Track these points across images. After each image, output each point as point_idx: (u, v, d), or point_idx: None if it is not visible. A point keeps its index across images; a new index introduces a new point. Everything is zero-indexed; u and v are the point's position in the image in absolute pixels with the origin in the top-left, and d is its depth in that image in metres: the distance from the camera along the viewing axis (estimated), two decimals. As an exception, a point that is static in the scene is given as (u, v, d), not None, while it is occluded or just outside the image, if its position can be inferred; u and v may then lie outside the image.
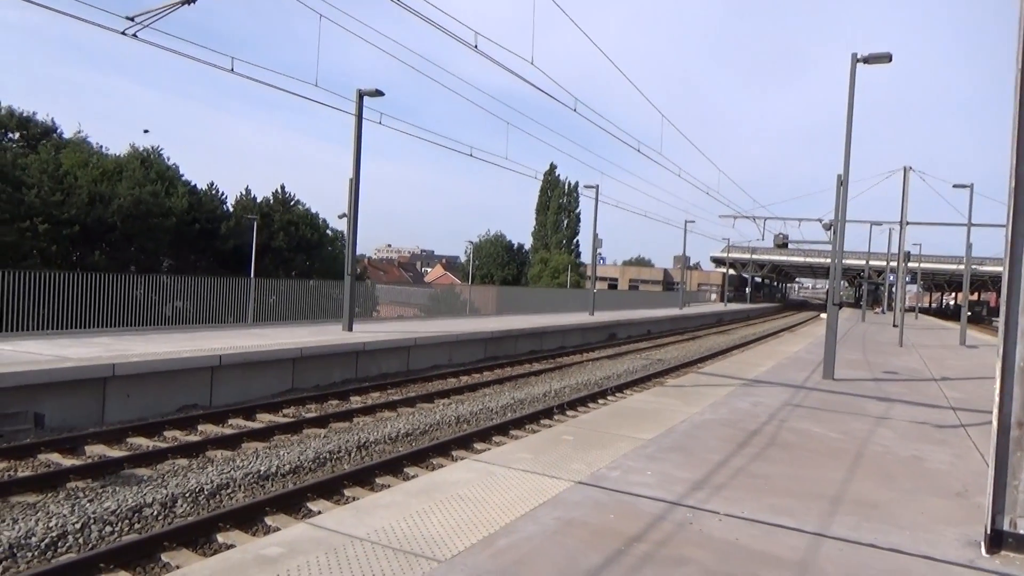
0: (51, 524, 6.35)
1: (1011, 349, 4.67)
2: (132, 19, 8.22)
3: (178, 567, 5.79)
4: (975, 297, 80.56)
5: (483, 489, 5.54)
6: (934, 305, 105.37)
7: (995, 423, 4.69)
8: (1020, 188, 4.59)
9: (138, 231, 35.57)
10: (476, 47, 9.30)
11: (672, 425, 8.35)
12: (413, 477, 8.40)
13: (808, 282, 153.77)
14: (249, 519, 6.87)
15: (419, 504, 5.09)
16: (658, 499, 5.50)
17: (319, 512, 7.11)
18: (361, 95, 17.78)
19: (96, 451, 9.08)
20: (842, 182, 13.58)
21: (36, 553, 5.92)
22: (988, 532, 4.69)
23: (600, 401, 14.16)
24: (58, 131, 40.69)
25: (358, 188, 18.27)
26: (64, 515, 6.59)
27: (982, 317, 69.86)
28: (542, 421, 12.09)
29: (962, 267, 40.36)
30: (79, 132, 42.84)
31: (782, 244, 24.90)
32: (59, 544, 6.10)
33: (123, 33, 8.17)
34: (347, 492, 7.91)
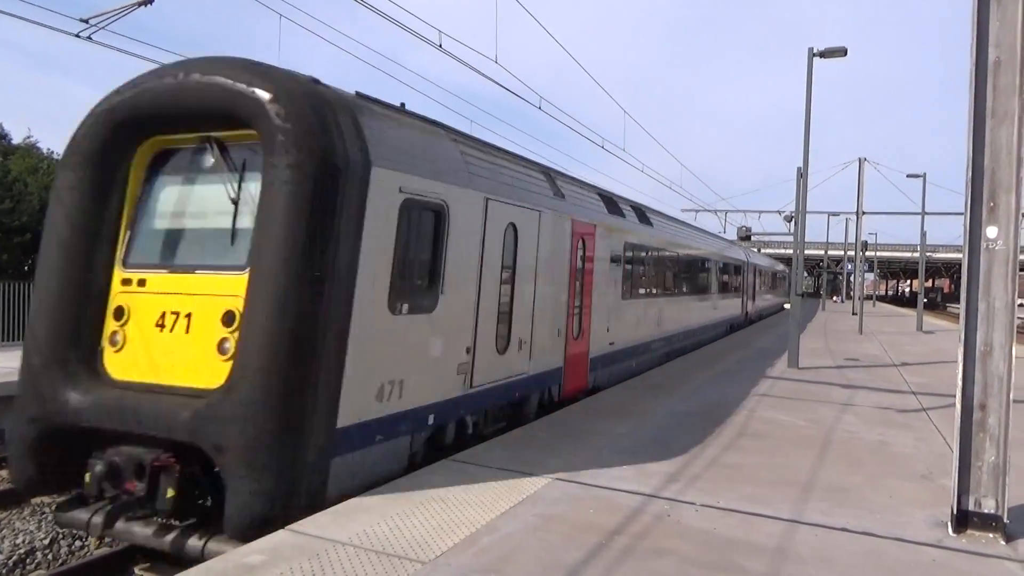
0: (17, 541, 6.19)
1: (972, 335, 4.83)
2: (86, 21, 8.05)
3: (152, 579, 5.69)
4: (929, 284, 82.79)
5: (461, 488, 5.54)
6: (890, 292, 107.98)
7: (958, 406, 4.85)
8: (976, 180, 4.75)
9: (94, 237, 34.65)
10: (440, 46, 9.29)
11: (644, 419, 8.44)
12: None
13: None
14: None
15: (398, 506, 5.08)
16: (635, 492, 5.57)
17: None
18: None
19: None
20: (802, 175, 13.86)
21: (3, 571, 5.76)
22: (954, 512, 4.85)
23: (571, 397, 14.20)
24: (7, 137, 39.43)
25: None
26: (31, 531, 6.42)
27: (936, 303, 71.86)
28: (514, 418, 12.08)
29: (917, 255, 41.46)
30: (28, 137, 41.50)
31: (745, 237, 25.34)
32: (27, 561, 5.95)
33: (77, 35, 8.00)
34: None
